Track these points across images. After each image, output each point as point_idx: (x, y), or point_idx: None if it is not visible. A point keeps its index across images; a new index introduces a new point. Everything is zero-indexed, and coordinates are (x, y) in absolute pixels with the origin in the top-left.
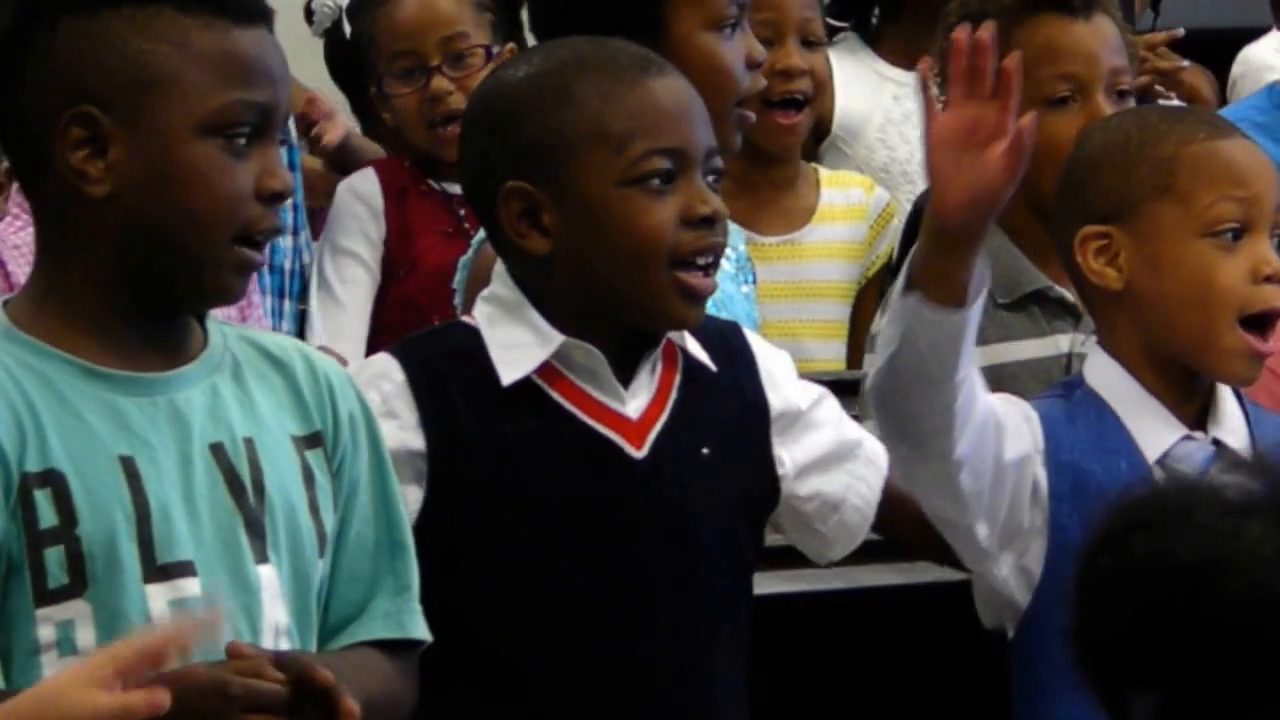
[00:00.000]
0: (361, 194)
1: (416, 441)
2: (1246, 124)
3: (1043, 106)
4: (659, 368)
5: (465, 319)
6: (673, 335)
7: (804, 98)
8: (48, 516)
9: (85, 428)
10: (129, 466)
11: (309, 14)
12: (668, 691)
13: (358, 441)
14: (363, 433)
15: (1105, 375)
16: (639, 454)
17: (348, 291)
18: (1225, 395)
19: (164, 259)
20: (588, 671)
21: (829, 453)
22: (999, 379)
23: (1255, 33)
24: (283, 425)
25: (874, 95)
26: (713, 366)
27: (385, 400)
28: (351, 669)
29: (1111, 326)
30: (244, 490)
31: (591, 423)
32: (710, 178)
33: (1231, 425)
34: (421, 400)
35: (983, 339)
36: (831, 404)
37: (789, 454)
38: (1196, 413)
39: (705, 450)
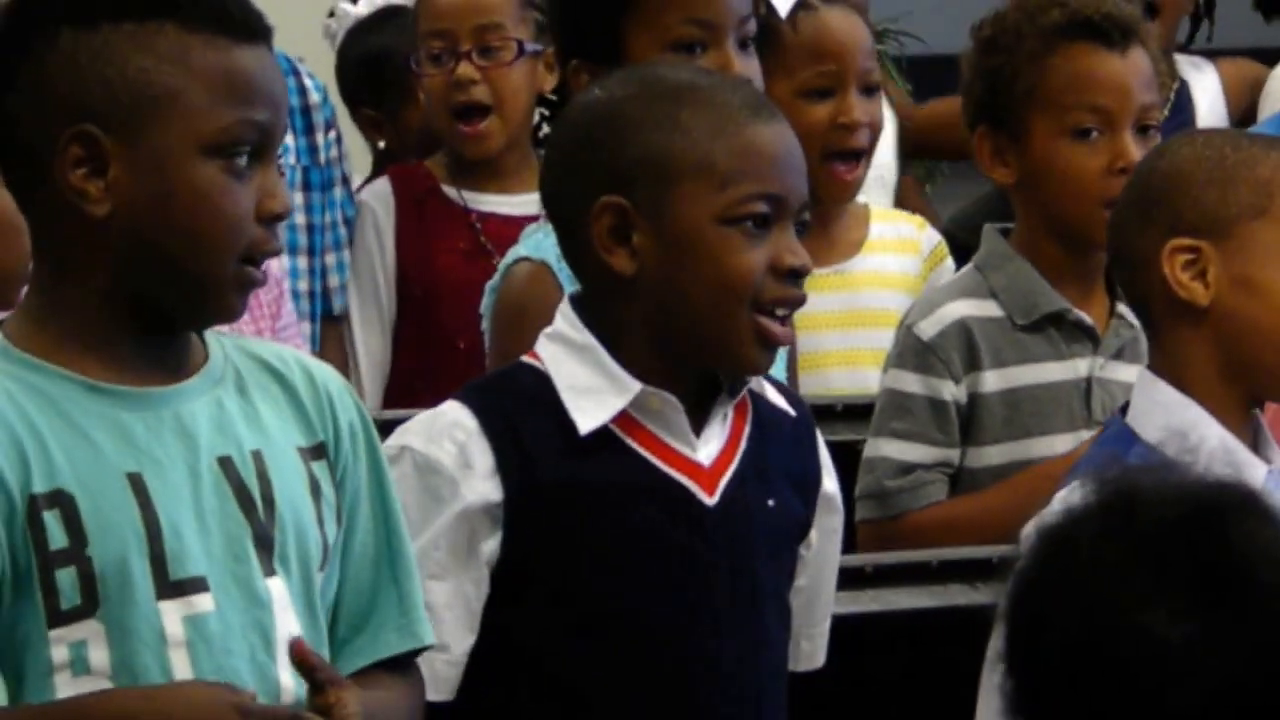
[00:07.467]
0: (371, 211)
1: (493, 491)
2: None
3: (1068, 137)
4: (730, 415)
5: (528, 359)
6: (753, 384)
7: (863, 150)
8: (58, 537)
9: (91, 446)
10: (137, 484)
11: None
12: None
13: (358, 452)
14: (361, 443)
15: (1173, 419)
16: (711, 501)
17: (367, 331)
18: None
19: (165, 279)
20: (655, 709)
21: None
22: (1018, 402)
23: None
24: (289, 437)
25: None
26: (792, 412)
27: (461, 450)
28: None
29: (1182, 343)
30: (253, 504)
31: (665, 468)
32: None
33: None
34: (496, 447)
35: (1001, 361)
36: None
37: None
38: (1252, 437)
39: (771, 502)
